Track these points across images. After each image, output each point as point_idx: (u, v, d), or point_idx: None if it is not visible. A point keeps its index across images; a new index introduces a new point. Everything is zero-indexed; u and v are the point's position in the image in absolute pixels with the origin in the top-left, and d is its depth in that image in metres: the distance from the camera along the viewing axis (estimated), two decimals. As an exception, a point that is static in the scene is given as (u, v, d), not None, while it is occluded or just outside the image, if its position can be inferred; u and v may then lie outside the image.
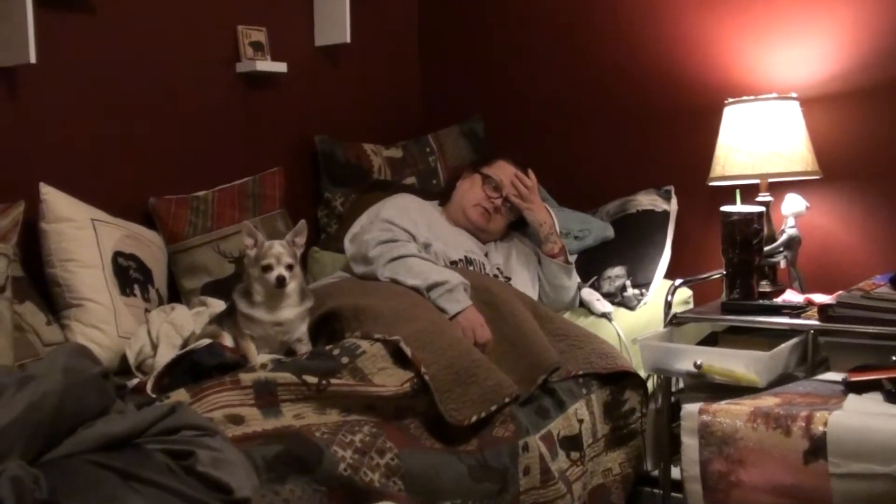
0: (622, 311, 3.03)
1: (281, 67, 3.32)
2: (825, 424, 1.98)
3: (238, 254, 2.90)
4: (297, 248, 2.40)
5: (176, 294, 2.96)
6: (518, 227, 3.10)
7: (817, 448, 1.97)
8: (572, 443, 2.46)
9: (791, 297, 2.83)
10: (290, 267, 2.33)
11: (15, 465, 1.48)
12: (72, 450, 1.59)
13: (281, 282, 2.30)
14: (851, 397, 2.16)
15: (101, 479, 1.53)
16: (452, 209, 3.04)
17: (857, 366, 2.32)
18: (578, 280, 3.04)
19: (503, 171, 3.01)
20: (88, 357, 1.81)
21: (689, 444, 2.18)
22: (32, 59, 2.55)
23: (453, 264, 2.81)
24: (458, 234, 2.98)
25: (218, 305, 2.69)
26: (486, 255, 2.98)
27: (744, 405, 2.16)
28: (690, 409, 2.20)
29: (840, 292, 2.59)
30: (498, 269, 2.96)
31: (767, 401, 2.19)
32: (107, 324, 2.59)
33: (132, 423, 1.67)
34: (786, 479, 2.04)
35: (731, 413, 2.14)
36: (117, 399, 1.80)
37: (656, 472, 2.82)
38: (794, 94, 2.98)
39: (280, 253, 2.34)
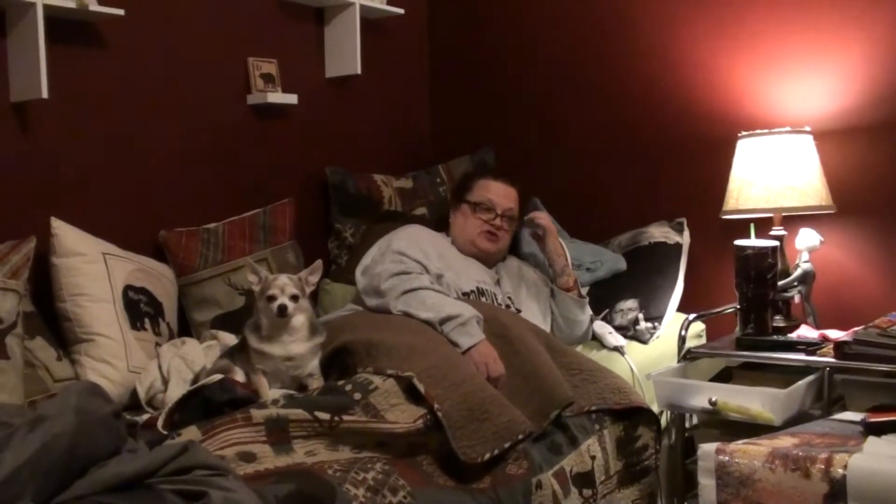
0: (634, 344, 3.01)
1: (292, 99, 3.32)
2: (845, 467, 1.96)
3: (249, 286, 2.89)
4: (307, 286, 2.39)
5: (186, 327, 2.94)
6: (527, 258, 3.08)
7: (837, 492, 1.95)
8: (585, 480, 2.42)
9: (806, 332, 2.81)
10: (294, 298, 2.33)
11: (27, 509, 1.46)
12: (83, 491, 1.58)
13: (282, 310, 2.30)
14: (871, 439, 2.14)
15: (112, 522, 1.52)
16: (460, 242, 3.03)
17: (875, 405, 2.30)
18: (591, 313, 3.02)
19: (485, 189, 3.00)
20: (100, 396, 1.80)
21: (707, 484, 2.15)
22: (45, 94, 2.55)
23: (465, 296, 2.79)
24: (469, 264, 2.96)
25: (229, 339, 2.68)
26: (497, 283, 2.96)
27: (762, 446, 2.13)
28: (707, 448, 2.18)
29: (856, 329, 2.57)
30: (509, 297, 2.94)
31: (785, 441, 2.16)
32: (117, 358, 2.57)
33: (144, 463, 1.66)
34: (805, 523, 2.01)
35: (749, 454, 2.11)
36: (129, 438, 1.79)
37: (670, 510, 2.79)
38: (808, 128, 2.97)
39: (284, 284, 2.33)
